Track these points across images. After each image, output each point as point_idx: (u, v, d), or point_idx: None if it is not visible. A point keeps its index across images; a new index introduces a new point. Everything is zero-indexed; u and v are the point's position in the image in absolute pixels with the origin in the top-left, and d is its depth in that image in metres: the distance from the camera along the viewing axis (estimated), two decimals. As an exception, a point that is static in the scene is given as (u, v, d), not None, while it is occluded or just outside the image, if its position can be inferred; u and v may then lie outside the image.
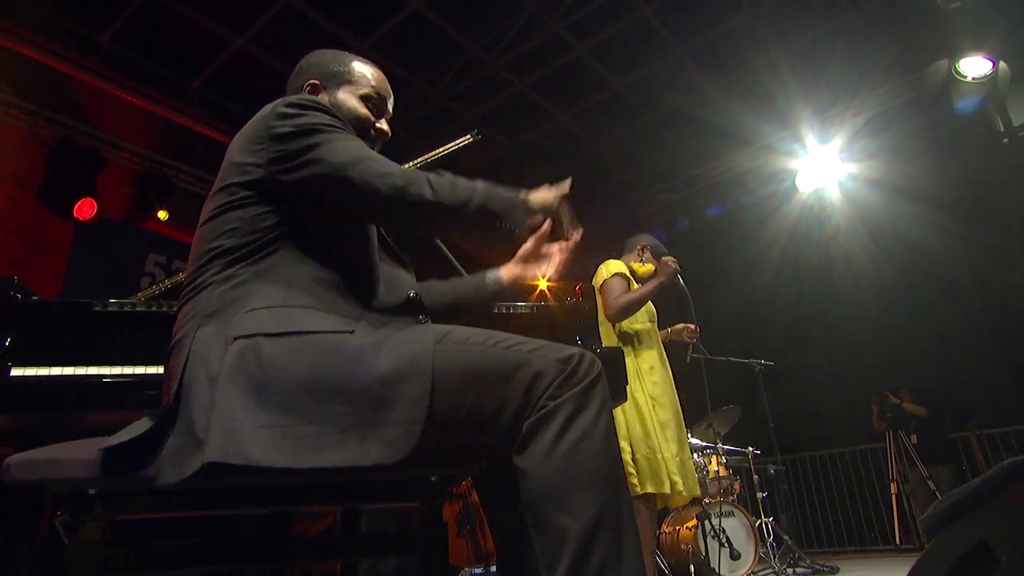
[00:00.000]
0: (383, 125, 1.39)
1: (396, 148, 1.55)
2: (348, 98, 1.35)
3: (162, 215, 5.44)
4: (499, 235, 1.21)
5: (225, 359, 0.97)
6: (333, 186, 1.11)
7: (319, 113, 1.16)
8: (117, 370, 1.59)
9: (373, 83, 1.39)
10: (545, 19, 5.25)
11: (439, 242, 2.10)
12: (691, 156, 6.79)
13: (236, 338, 0.99)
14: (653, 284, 2.98)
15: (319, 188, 1.12)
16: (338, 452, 0.92)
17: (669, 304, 3.37)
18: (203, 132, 5.70)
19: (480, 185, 1.17)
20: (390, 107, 1.43)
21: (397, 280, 1.28)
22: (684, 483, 2.72)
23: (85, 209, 4.95)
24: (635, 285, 3.08)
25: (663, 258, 3.04)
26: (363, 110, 1.35)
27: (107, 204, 5.27)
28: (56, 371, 1.51)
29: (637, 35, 5.50)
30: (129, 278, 5.39)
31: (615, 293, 2.94)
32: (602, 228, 7.66)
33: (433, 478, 1.19)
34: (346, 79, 1.37)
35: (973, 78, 4.18)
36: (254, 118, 1.20)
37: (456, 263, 2.11)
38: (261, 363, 0.97)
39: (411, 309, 1.22)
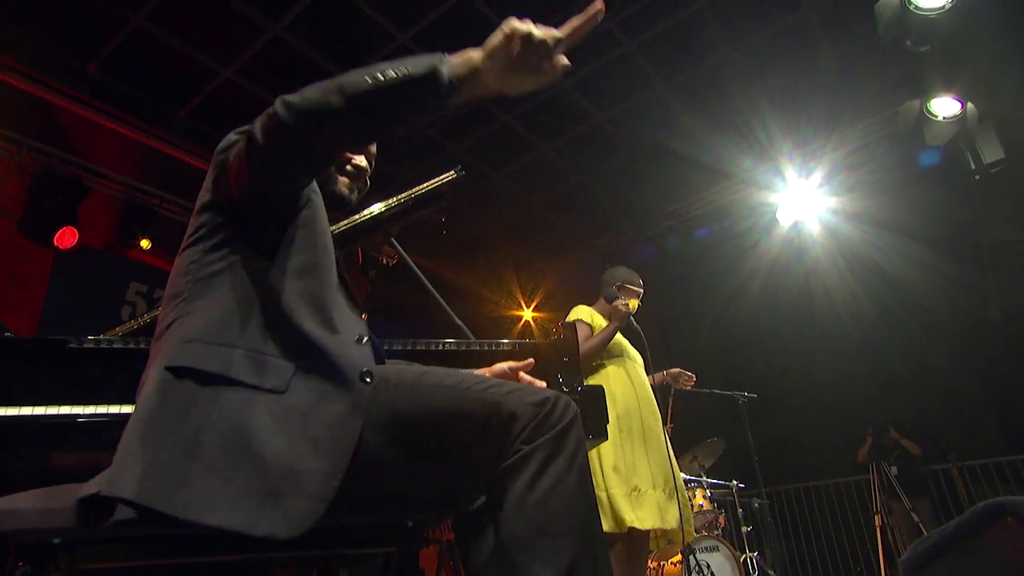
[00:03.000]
0: (359, 160, 1.40)
1: (380, 179, 1.56)
2: None
3: (144, 244, 5.41)
4: (439, 113, 1.04)
5: (150, 391, 0.95)
6: (240, 168, 1.06)
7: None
8: (91, 409, 1.56)
9: None
10: (530, 55, 5.34)
11: (417, 270, 2.11)
12: (673, 189, 6.89)
13: (165, 368, 0.97)
14: (608, 331, 3.07)
15: (224, 177, 1.11)
16: (229, 514, 0.86)
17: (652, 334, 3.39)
18: (188, 161, 5.70)
19: (357, 75, 0.99)
20: (372, 147, 1.44)
21: (350, 323, 1.19)
22: (636, 516, 2.71)
23: (66, 238, 4.91)
24: (600, 327, 3.16)
25: (615, 302, 3.13)
26: None
27: (88, 233, 5.23)
28: (27, 411, 1.48)
29: (620, 70, 5.62)
30: (109, 307, 5.33)
31: None
32: (583, 261, 7.75)
33: (410, 523, 1.18)
34: None
35: (944, 117, 4.32)
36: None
37: (435, 293, 2.11)
38: (183, 403, 0.94)
39: (359, 353, 1.12)
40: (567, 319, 3.23)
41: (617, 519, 2.71)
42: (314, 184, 1.24)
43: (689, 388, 3.49)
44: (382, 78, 0.97)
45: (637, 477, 2.79)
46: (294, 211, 1.16)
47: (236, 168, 1.07)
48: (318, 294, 1.13)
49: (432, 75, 0.98)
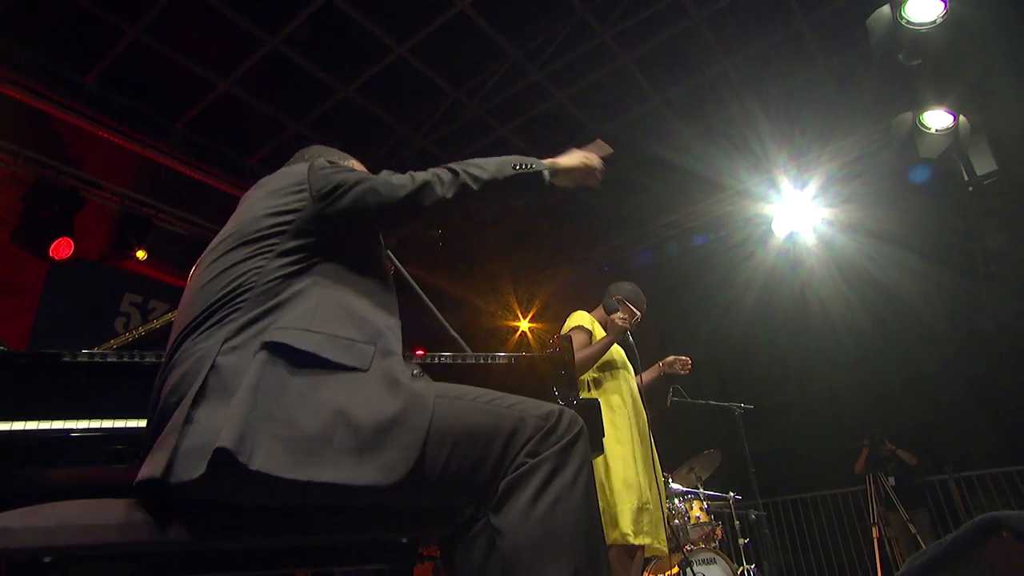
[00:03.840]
0: None
1: None
2: None
3: (140, 254, 5.40)
4: (532, 201, 1.42)
5: (251, 367, 1.02)
6: (365, 203, 1.24)
7: (350, 168, 1.35)
8: (84, 423, 1.55)
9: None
10: (526, 67, 5.39)
11: (413, 283, 2.11)
12: (669, 201, 6.93)
13: (262, 348, 1.05)
14: (603, 342, 3.06)
15: (355, 210, 1.24)
16: (334, 469, 0.94)
17: (649, 345, 3.39)
18: (185, 172, 5.71)
19: (492, 164, 1.33)
20: None
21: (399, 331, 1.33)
22: (637, 531, 2.72)
23: (61, 249, 4.90)
24: (599, 333, 3.16)
25: (613, 315, 3.12)
26: None
27: (84, 243, 5.22)
28: (19, 425, 1.47)
29: (616, 83, 5.67)
30: (103, 318, 5.31)
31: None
32: (579, 272, 7.76)
33: (404, 540, 1.17)
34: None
35: (936, 130, 4.35)
36: (278, 175, 1.35)
37: (430, 304, 2.11)
38: (280, 379, 1.02)
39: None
40: (567, 324, 3.21)
41: (622, 534, 2.70)
42: None
43: (686, 373, 3.44)
44: (517, 168, 1.35)
45: (642, 492, 2.80)
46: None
47: (390, 202, 1.26)
48: (387, 298, 1.29)
49: (541, 174, 1.38)
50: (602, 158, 1.58)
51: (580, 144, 1.60)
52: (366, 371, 1.07)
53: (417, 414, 1.02)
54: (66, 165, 5.26)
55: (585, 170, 1.51)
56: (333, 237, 1.25)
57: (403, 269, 2.13)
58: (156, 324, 2.16)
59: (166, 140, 5.55)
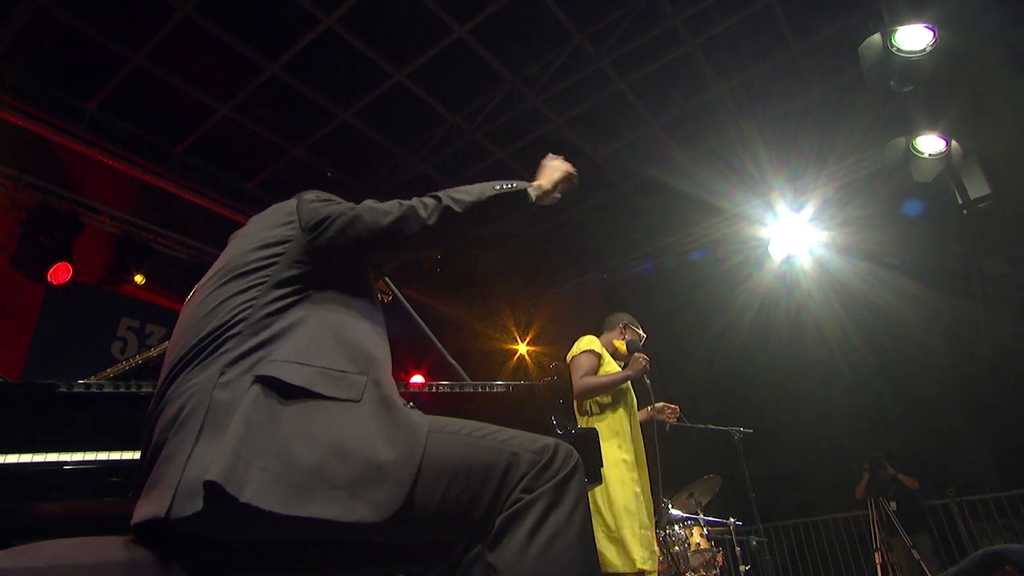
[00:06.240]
0: None
1: None
2: None
3: (139, 279, 5.40)
4: (518, 221, 1.44)
5: (243, 401, 1.01)
6: (352, 231, 1.25)
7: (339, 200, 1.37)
8: (79, 456, 1.53)
9: None
10: (524, 92, 5.45)
11: (410, 309, 2.11)
12: (666, 224, 6.96)
13: (255, 383, 1.04)
14: (620, 376, 3.04)
15: (342, 240, 1.25)
16: (325, 505, 0.93)
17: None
18: (185, 196, 5.73)
19: (475, 188, 1.35)
20: None
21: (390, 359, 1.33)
22: (642, 556, 2.71)
23: (60, 273, 4.90)
24: (608, 360, 3.13)
25: (636, 354, 3.11)
26: None
27: (82, 267, 5.22)
28: (12, 458, 1.46)
29: (612, 108, 5.73)
30: (100, 342, 5.29)
31: (581, 371, 3.02)
32: (577, 295, 7.77)
33: (400, 576, 1.16)
34: None
35: (929, 154, 4.40)
36: (268, 211, 1.36)
37: (421, 323, 2.11)
38: (272, 413, 1.00)
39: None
40: (577, 347, 3.17)
41: (628, 559, 2.69)
42: None
43: (673, 421, 3.47)
44: (499, 188, 1.37)
45: (642, 517, 2.79)
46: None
47: (376, 229, 1.27)
48: (378, 325, 1.30)
49: (525, 192, 1.41)
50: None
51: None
52: (359, 402, 1.07)
53: (409, 450, 1.00)
54: (66, 190, 5.28)
55: (565, 179, 1.55)
56: (324, 268, 1.26)
57: (401, 295, 2.13)
58: (153, 353, 2.14)
59: (166, 165, 5.59)
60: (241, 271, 1.21)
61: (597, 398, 3.07)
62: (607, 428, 2.98)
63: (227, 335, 1.12)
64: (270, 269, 1.21)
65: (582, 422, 2.99)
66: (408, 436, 1.02)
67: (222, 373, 1.07)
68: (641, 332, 3.39)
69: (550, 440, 1.09)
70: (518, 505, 1.00)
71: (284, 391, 1.04)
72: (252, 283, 1.19)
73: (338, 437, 1.00)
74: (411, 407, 1.14)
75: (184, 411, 1.04)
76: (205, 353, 1.11)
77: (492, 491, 1.01)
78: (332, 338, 1.16)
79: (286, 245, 1.24)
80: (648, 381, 3.13)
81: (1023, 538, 5.30)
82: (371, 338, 1.24)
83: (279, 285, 1.19)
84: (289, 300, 1.18)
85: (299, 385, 1.05)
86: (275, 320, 1.15)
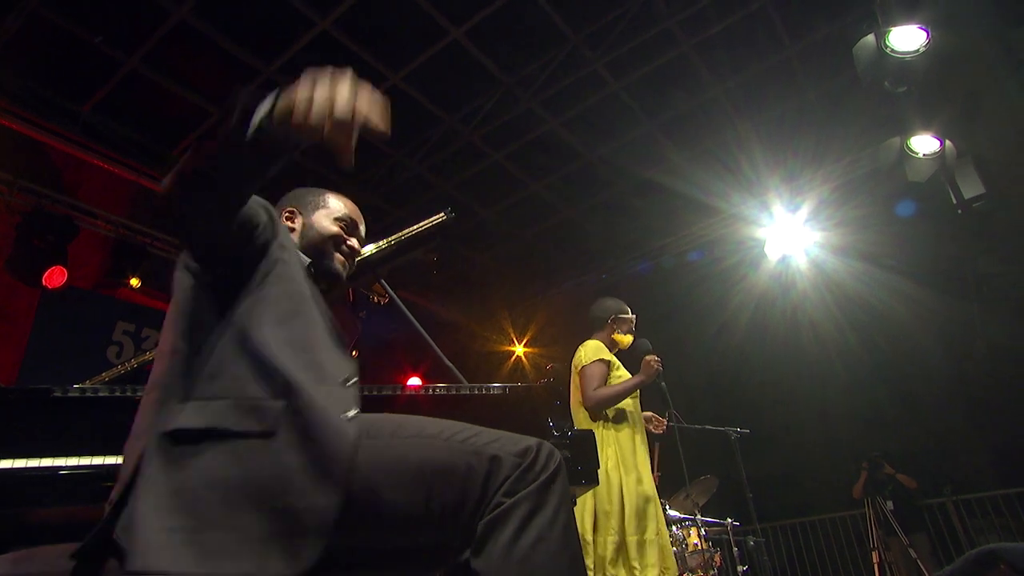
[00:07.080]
0: (353, 242, 1.51)
1: (372, 216, 1.62)
2: (322, 219, 1.49)
3: (135, 282, 5.38)
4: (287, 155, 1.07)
5: (147, 457, 0.95)
6: (187, 237, 1.15)
7: None
8: (74, 460, 1.53)
9: (345, 209, 1.53)
10: (519, 94, 5.45)
11: (407, 312, 2.11)
12: (662, 224, 6.97)
13: (160, 434, 0.97)
14: (633, 382, 2.98)
15: (192, 248, 1.16)
16: (235, 562, 0.87)
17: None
18: (180, 199, 5.70)
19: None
20: (361, 230, 1.56)
21: (337, 365, 1.16)
22: (645, 564, 2.70)
23: (55, 277, 4.88)
24: (617, 365, 3.10)
25: (647, 358, 3.05)
26: (335, 228, 1.49)
27: (77, 271, 5.20)
28: (6, 463, 1.45)
29: (608, 110, 5.74)
30: (95, 346, 5.27)
31: (594, 383, 2.95)
32: (574, 296, 7.76)
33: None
34: (321, 206, 1.51)
35: (924, 155, 4.41)
36: None
37: (422, 330, 2.11)
38: (177, 463, 0.94)
39: (344, 396, 1.10)
40: (586, 354, 3.09)
41: (629, 567, 2.67)
42: (286, 244, 1.25)
43: (660, 432, 3.44)
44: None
45: (648, 523, 2.76)
46: (251, 264, 1.17)
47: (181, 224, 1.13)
48: (302, 339, 1.12)
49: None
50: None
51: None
52: (274, 435, 0.98)
53: (332, 484, 0.94)
54: (61, 193, 5.27)
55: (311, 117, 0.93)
56: (213, 283, 1.16)
57: (397, 298, 2.13)
58: (149, 356, 2.14)
59: (161, 168, 5.57)
60: (172, 301, 1.18)
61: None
62: (627, 436, 2.96)
63: (163, 375, 1.09)
64: (182, 295, 1.16)
65: (596, 428, 2.94)
66: (332, 464, 0.95)
67: (154, 422, 1.02)
68: (630, 314, 3.31)
69: (532, 441, 1.07)
70: (500, 509, 0.98)
71: (189, 437, 0.97)
72: (175, 313, 1.15)
73: (249, 481, 0.93)
74: (352, 417, 1.05)
75: (128, 456, 1.03)
76: (151, 394, 1.10)
77: (474, 494, 1.00)
78: (241, 361, 1.06)
79: (182, 286, 1.17)
80: (663, 384, 3.08)
81: (1019, 536, 5.32)
82: (292, 349, 1.09)
83: (190, 313, 1.13)
84: (198, 326, 1.12)
85: (202, 428, 0.98)
86: (184, 349, 1.09)
